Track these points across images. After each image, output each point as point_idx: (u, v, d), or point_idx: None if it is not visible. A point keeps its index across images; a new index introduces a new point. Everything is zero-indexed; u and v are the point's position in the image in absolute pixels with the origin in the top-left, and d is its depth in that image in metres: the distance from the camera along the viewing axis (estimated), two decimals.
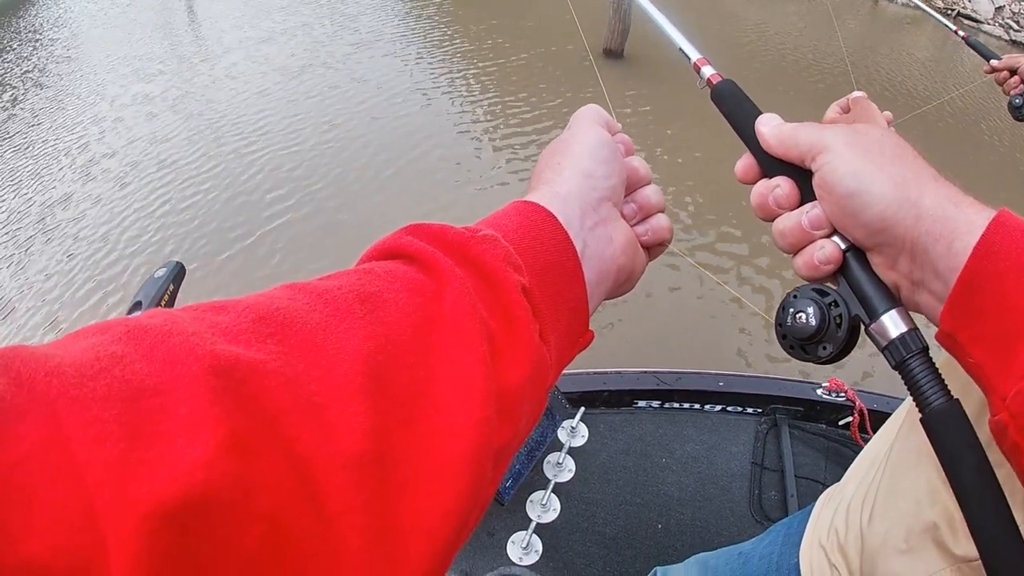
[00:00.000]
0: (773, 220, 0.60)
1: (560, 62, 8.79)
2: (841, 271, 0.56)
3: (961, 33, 2.32)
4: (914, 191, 0.51)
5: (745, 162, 0.64)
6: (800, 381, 2.18)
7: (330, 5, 12.48)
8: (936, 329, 0.52)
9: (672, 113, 7.38)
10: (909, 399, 0.88)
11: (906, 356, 0.50)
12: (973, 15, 12.88)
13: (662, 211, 0.63)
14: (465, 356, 0.39)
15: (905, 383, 0.51)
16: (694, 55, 0.73)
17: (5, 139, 8.52)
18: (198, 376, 0.29)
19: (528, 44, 9.56)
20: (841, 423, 2.06)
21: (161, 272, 1.73)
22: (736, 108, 0.66)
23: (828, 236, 0.56)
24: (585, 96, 7.69)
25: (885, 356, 0.52)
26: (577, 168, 0.56)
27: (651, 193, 0.62)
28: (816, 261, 0.56)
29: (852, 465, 1.03)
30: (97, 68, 11.86)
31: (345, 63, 9.37)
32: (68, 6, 17.34)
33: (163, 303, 1.65)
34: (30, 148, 8.13)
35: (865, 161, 0.53)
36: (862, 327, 0.55)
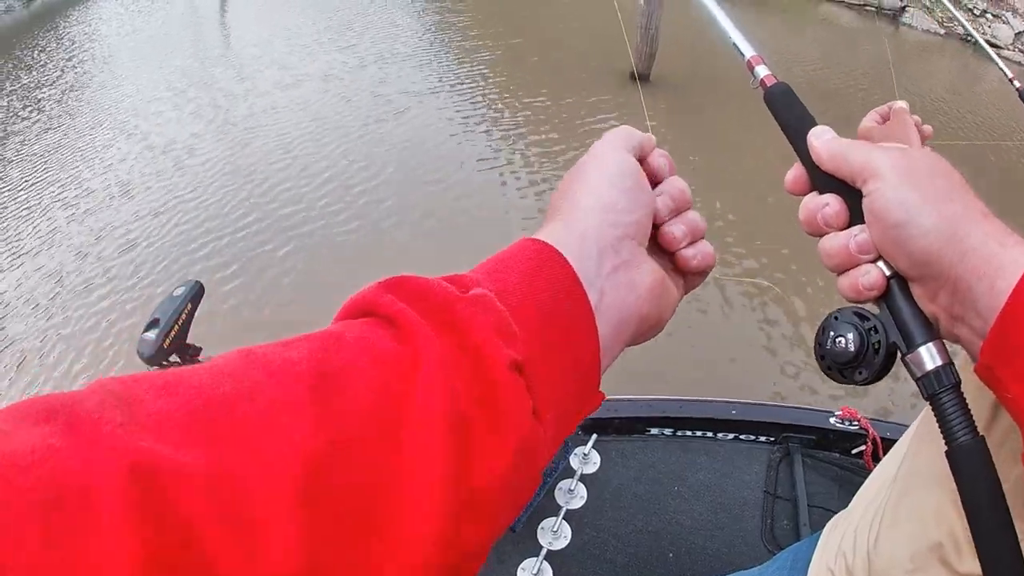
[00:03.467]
0: (819, 236, 0.60)
1: (594, 84, 8.86)
2: (883, 297, 0.56)
3: (1017, 84, 2.29)
4: (962, 227, 0.51)
5: (795, 173, 0.63)
6: (813, 409, 2.18)
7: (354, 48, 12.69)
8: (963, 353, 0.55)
9: (698, 139, 7.40)
10: (915, 423, 0.89)
11: (939, 390, 0.51)
12: (993, 41, 12.74)
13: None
14: (429, 455, 0.35)
15: (935, 415, 0.51)
16: (748, 51, 0.71)
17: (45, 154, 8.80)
18: (121, 481, 0.27)
19: (558, 67, 9.67)
20: (854, 451, 2.05)
21: (180, 291, 1.79)
22: (790, 115, 0.65)
23: (873, 261, 0.56)
24: (620, 119, 7.76)
25: (918, 386, 0.53)
26: (596, 200, 0.51)
27: (697, 217, 0.57)
28: (860, 286, 0.56)
29: (860, 490, 1.04)
30: (125, 89, 12.35)
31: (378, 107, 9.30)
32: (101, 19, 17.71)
33: (180, 321, 1.72)
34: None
35: (915, 191, 0.53)
36: (898, 354, 0.55)
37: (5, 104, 14.29)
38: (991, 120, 9.07)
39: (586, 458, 1.93)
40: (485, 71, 9.71)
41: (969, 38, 12.95)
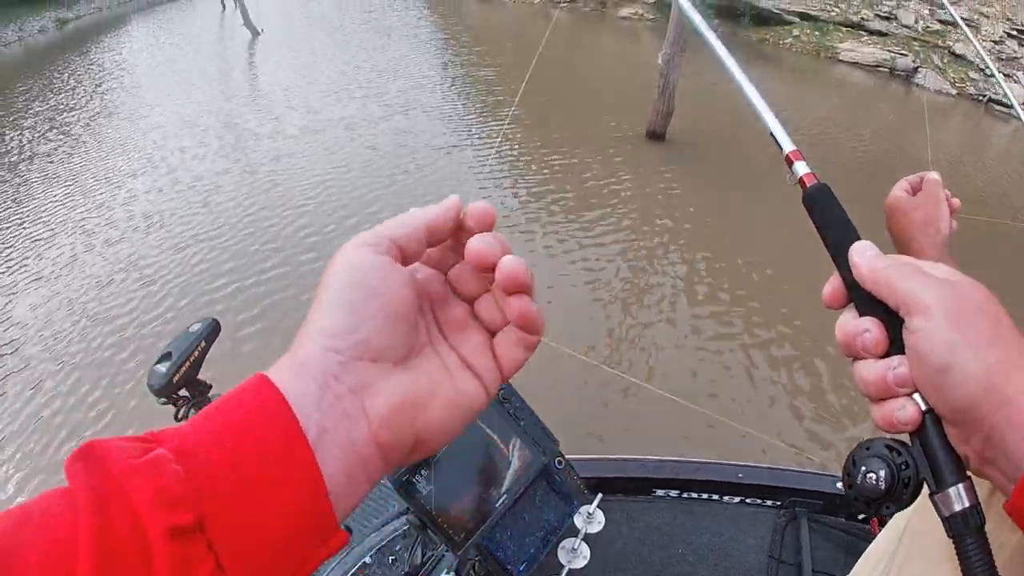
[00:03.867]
0: (855, 358, 0.58)
1: (612, 142, 8.95)
2: (917, 431, 0.55)
3: None
4: (1002, 376, 0.50)
5: (834, 286, 0.60)
6: (819, 474, 2.17)
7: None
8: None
9: (711, 197, 7.45)
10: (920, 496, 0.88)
11: (963, 531, 0.51)
12: (1004, 100, 12.88)
13: (526, 292, 0.49)
14: None
15: (957, 553, 0.51)
16: (787, 146, 0.69)
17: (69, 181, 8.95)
18: None
19: (574, 123, 9.78)
20: (861, 517, 2.04)
21: (196, 327, 1.78)
22: (829, 220, 0.62)
23: (909, 394, 0.54)
24: (636, 177, 7.91)
25: (943, 523, 0.52)
26: (317, 321, 0.45)
27: (511, 267, 0.48)
28: (896, 420, 0.54)
29: (861, 559, 1.04)
30: (154, 116, 12.67)
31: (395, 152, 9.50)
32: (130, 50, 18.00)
33: (193, 357, 1.73)
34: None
35: (960, 334, 0.51)
36: (925, 487, 0.55)
37: (32, 124, 14.58)
38: (1013, 193, 9.05)
39: (590, 517, 1.90)
40: (510, 127, 9.86)
41: (981, 97, 13.07)
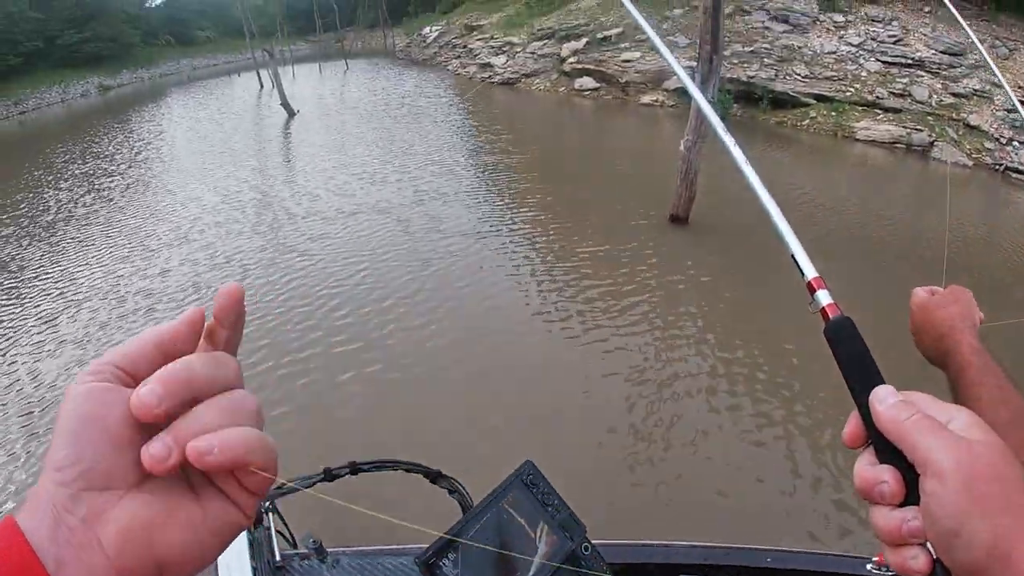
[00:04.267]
0: (871, 502, 0.60)
1: (636, 228, 9.04)
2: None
3: None
4: (1008, 543, 0.52)
5: (853, 427, 0.62)
6: (848, 556, 2.16)
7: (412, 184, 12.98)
8: None
9: (732, 284, 7.47)
10: None
11: None
12: (1020, 167, 12.94)
13: (247, 422, 0.49)
14: None
15: None
16: (810, 272, 0.67)
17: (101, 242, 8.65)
18: None
19: (597, 208, 9.95)
20: None
21: None
22: (852, 358, 0.62)
23: (923, 544, 0.56)
24: (661, 262, 7.96)
25: None
26: (50, 454, 0.45)
27: (207, 415, 0.47)
28: (908, 567, 0.57)
29: None
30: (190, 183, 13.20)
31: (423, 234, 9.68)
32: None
33: None
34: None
35: (972, 503, 0.53)
36: None
37: (69, 186, 15.14)
38: None
39: None
40: (536, 212, 10.02)
41: (998, 166, 13.10)
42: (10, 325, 7.63)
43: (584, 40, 23.39)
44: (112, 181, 15.57)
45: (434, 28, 45.84)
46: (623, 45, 21.82)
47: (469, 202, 10.34)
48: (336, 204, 10.66)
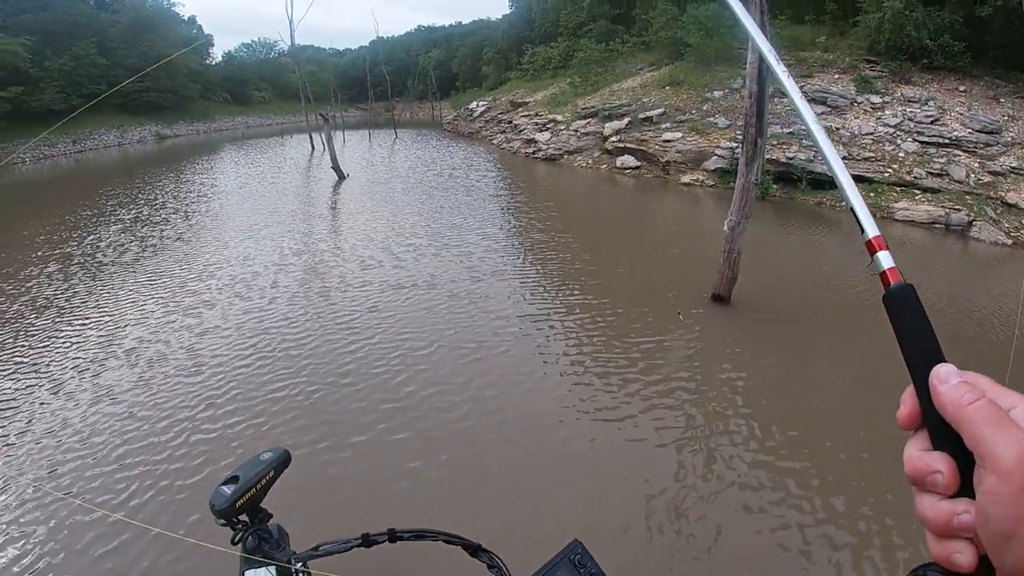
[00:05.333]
0: (919, 489, 0.58)
1: (671, 305, 9.11)
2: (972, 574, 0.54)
3: None
4: None
5: (909, 408, 0.59)
6: None
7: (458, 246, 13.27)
8: None
9: (779, 364, 7.32)
10: None
11: None
12: None
13: None
14: None
15: None
16: (871, 231, 0.64)
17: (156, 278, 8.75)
18: None
19: (634, 286, 10.05)
20: None
21: (267, 456, 1.81)
22: (911, 332, 0.59)
23: (971, 539, 0.54)
24: (702, 339, 7.96)
25: None
26: None
27: None
28: (953, 562, 0.55)
29: None
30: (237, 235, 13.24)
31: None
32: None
33: (259, 485, 1.74)
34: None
35: None
36: None
37: (112, 233, 15.68)
38: None
39: None
40: (581, 293, 10.14)
41: None
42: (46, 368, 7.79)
43: (626, 119, 24.06)
44: (160, 231, 16.05)
45: (480, 103, 47.20)
46: (664, 125, 22.41)
47: (515, 281, 10.35)
48: (383, 276, 10.70)
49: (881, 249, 0.62)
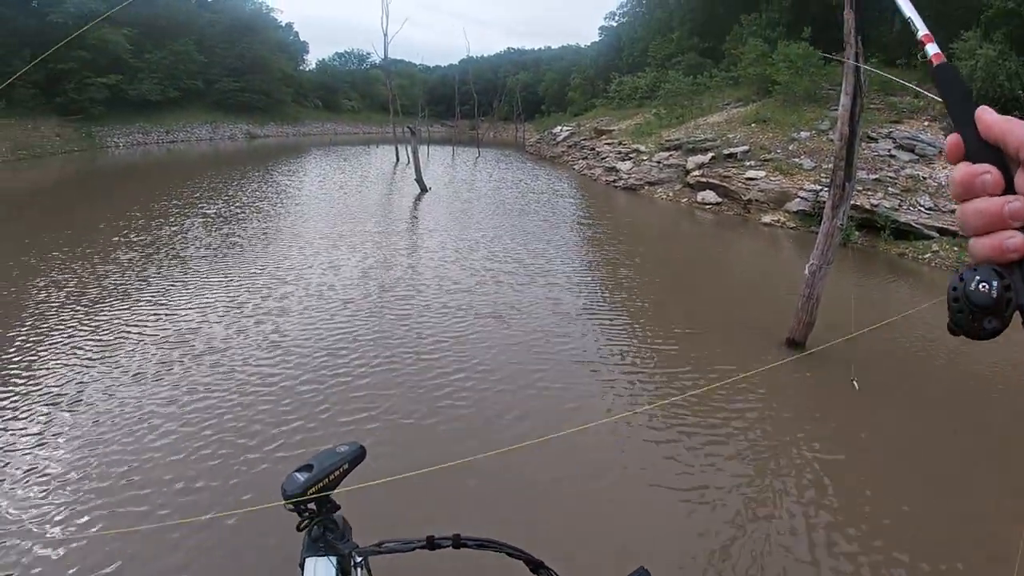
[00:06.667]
0: (967, 200, 0.65)
1: (744, 346, 9.10)
2: (1018, 263, 0.63)
3: None
4: None
5: (955, 140, 0.67)
6: None
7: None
8: None
9: (854, 416, 7.14)
10: None
11: None
12: None
13: None
14: None
15: None
16: (922, 30, 0.74)
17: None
18: None
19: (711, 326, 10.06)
20: None
21: (343, 449, 1.83)
22: (954, 93, 0.69)
23: (1020, 228, 0.62)
24: (774, 385, 7.83)
25: None
26: None
27: None
28: (1005, 246, 0.62)
29: None
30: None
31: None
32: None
33: (332, 476, 1.76)
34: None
35: None
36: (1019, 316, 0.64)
37: (200, 223, 16.67)
38: None
39: None
40: (650, 325, 10.29)
41: None
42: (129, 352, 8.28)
43: (710, 154, 23.98)
44: (243, 228, 16.75)
45: (564, 128, 47.64)
46: (748, 163, 22.25)
47: (592, 319, 10.19)
48: (463, 301, 10.70)
49: (930, 43, 0.73)
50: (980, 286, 0.63)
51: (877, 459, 6.37)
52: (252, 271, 12.43)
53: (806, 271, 8.70)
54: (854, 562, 4.84)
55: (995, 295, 0.62)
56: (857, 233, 16.69)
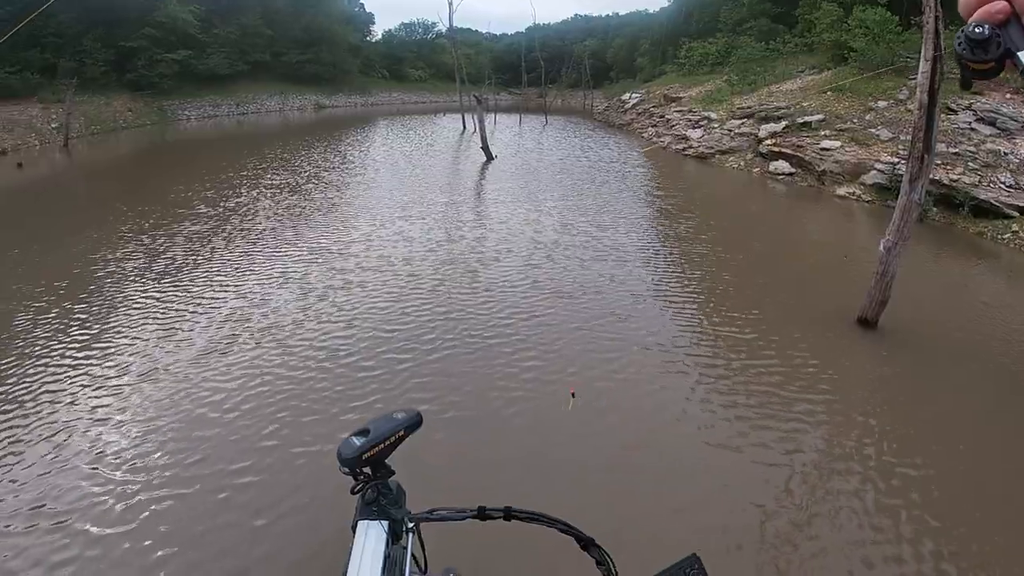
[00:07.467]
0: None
1: (811, 323, 8.90)
2: (1004, 23, 0.79)
3: None
4: None
5: None
6: None
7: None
8: None
9: (926, 402, 6.90)
10: None
11: None
12: None
13: None
14: None
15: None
16: None
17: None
18: None
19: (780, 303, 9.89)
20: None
21: (400, 415, 1.81)
22: None
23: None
24: (841, 366, 7.73)
25: (1020, 74, 0.79)
26: None
27: None
28: (991, 9, 0.80)
29: None
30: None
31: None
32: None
33: (388, 442, 1.76)
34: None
35: None
36: (1011, 59, 0.79)
37: (269, 194, 17.15)
38: None
39: None
40: (710, 300, 10.13)
41: None
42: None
43: (783, 123, 23.44)
44: (310, 199, 17.16)
45: (633, 95, 47.03)
46: (823, 132, 21.63)
47: (661, 300, 10.03)
48: (531, 276, 10.67)
49: None
50: (975, 29, 0.79)
51: (948, 437, 6.24)
52: (319, 243, 12.70)
53: (881, 247, 8.43)
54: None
55: (987, 34, 0.78)
56: (935, 209, 16.05)
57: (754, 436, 6.13)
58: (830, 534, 4.88)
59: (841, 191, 19.34)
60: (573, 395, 6.33)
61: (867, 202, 18.23)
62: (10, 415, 6.36)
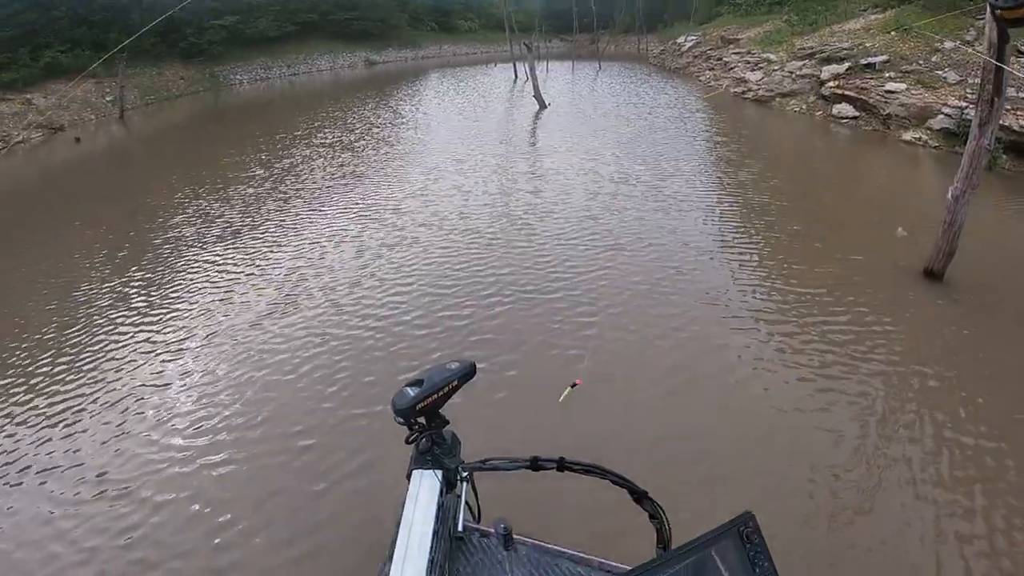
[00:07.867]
0: None
1: (875, 274, 8.67)
2: None
3: None
4: None
5: None
6: None
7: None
8: None
9: (996, 356, 6.64)
10: None
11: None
12: None
13: None
14: None
15: None
16: None
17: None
18: None
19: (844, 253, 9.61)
20: None
21: (454, 366, 1.87)
22: None
23: None
24: (909, 317, 7.55)
25: None
26: None
27: None
28: None
29: None
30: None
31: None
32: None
33: (441, 392, 1.80)
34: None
35: None
36: None
37: (325, 154, 17.31)
38: None
39: None
40: (773, 241, 9.95)
41: None
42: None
43: (846, 64, 22.51)
44: (362, 156, 17.25)
45: (689, 38, 45.71)
46: (888, 74, 20.74)
47: (725, 252, 9.80)
48: (586, 228, 10.61)
49: None
50: None
51: (1006, 387, 6.10)
52: (374, 200, 12.85)
53: (948, 196, 8.13)
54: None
55: None
56: (1004, 156, 15.33)
57: (820, 398, 6.02)
58: (897, 501, 4.79)
59: (907, 136, 18.60)
60: (573, 386, 6.33)
61: (934, 148, 17.52)
62: (77, 383, 6.62)
